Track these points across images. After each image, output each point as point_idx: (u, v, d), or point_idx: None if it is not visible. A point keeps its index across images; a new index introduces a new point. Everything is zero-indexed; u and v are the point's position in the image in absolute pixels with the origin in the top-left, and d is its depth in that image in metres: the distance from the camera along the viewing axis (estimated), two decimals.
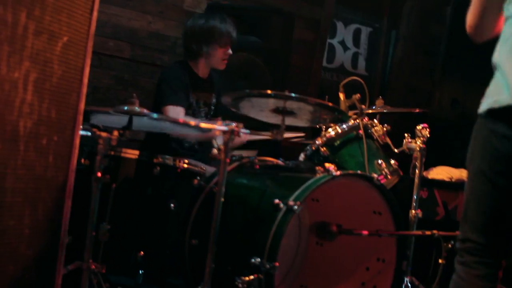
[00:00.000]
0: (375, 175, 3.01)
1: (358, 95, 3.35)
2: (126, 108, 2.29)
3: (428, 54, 6.25)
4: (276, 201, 2.61)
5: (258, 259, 2.51)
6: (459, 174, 4.27)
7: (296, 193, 2.65)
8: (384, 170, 3.21)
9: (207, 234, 2.46)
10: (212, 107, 3.84)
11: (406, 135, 3.17)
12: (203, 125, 2.50)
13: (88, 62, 2.02)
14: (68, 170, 2.01)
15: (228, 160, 2.47)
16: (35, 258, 1.94)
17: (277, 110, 2.73)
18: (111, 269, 2.59)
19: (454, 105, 5.79)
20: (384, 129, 3.33)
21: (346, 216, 3.02)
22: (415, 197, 3.11)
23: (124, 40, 4.68)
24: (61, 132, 1.97)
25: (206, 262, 2.43)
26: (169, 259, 2.94)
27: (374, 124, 3.34)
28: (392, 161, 3.29)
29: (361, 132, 3.25)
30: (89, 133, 2.39)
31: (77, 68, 2.00)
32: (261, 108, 2.79)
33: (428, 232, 2.95)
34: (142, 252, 2.81)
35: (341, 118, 3.00)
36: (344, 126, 3.29)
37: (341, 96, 3.44)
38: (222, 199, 2.46)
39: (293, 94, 2.55)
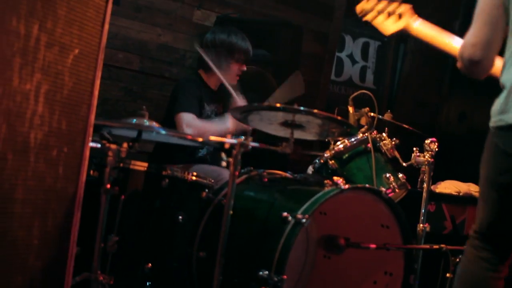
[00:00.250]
0: (383, 189, 3.01)
1: (367, 109, 3.36)
2: (134, 121, 2.30)
3: (436, 68, 6.25)
4: (285, 214, 2.61)
5: (266, 272, 2.51)
6: (467, 188, 4.26)
7: (305, 206, 2.65)
8: (392, 184, 3.21)
9: (215, 246, 2.46)
10: None
11: (414, 149, 3.17)
12: (212, 138, 2.51)
13: (98, 74, 2.02)
14: (78, 182, 2.01)
15: (237, 173, 2.48)
16: (43, 269, 1.93)
17: (285, 124, 2.73)
18: (119, 280, 2.59)
19: (462, 119, 5.79)
20: (393, 142, 3.33)
21: (354, 230, 3.01)
22: (423, 211, 3.10)
23: (134, 52, 4.70)
24: (71, 144, 1.97)
25: (214, 275, 2.43)
26: (176, 271, 2.93)
27: (383, 138, 3.34)
28: (400, 175, 3.28)
29: (369, 145, 3.26)
30: (98, 145, 2.40)
31: (87, 80, 2.00)
32: (270, 122, 2.80)
33: (435, 246, 2.95)
34: (150, 264, 2.80)
35: (349, 131, 3.01)
36: (353, 139, 3.29)
37: (350, 109, 3.45)
38: (231, 212, 2.47)
39: (302, 108, 2.55)
